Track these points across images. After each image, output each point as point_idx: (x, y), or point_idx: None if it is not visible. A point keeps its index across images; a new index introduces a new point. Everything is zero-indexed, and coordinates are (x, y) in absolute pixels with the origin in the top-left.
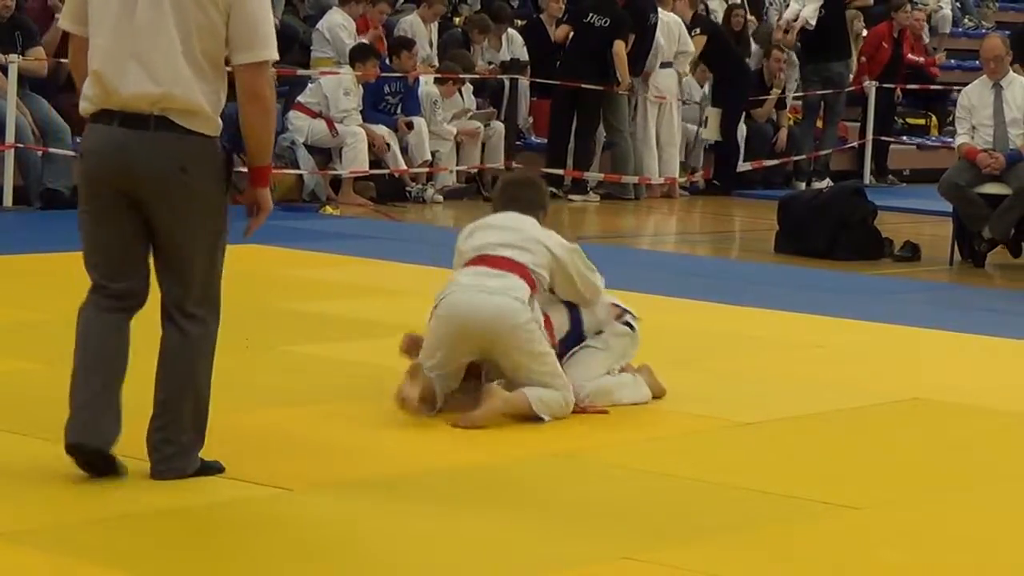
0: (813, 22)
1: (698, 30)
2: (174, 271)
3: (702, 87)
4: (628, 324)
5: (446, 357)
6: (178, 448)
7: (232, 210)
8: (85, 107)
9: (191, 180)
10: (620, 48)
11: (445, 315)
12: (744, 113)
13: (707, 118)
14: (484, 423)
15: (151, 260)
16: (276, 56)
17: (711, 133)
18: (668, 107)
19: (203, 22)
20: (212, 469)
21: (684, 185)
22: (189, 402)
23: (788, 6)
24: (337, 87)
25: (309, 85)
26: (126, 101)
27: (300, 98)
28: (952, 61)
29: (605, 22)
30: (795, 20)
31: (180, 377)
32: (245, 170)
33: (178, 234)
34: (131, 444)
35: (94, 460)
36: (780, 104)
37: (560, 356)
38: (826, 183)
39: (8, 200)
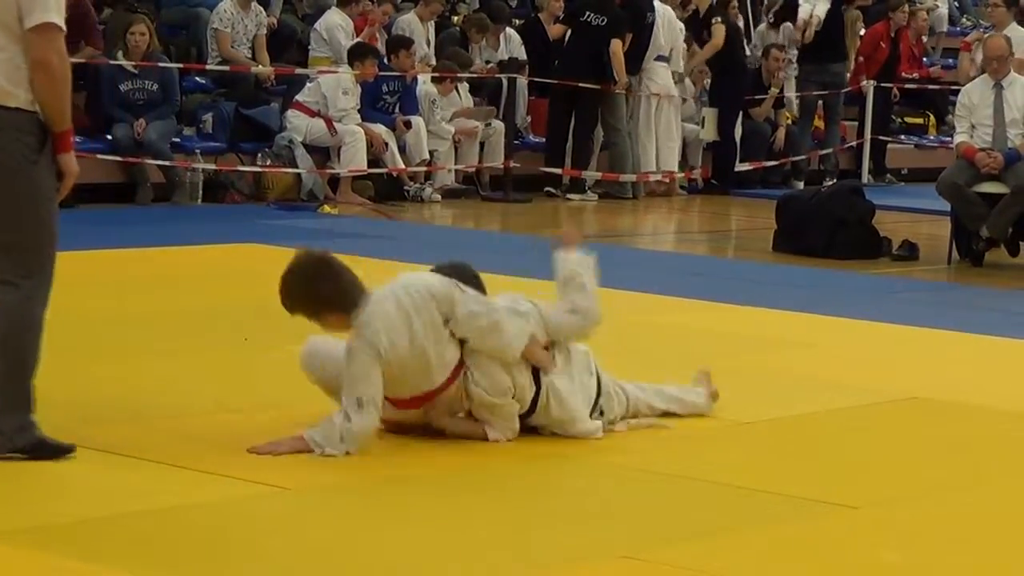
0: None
1: (718, 19)
2: None
3: (696, 87)
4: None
5: None
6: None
7: (226, 212)
8: None
9: None
10: (617, 47)
11: None
12: (742, 112)
13: (704, 118)
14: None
15: None
16: (59, 22)
17: (708, 133)
18: (664, 102)
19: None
20: (55, 450)
21: (683, 184)
22: (11, 372)
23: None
24: (336, 86)
25: (308, 84)
26: None
27: (299, 97)
28: (950, 60)
29: (602, 21)
30: (809, 18)
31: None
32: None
33: None
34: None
35: None
36: (778, 103)
37: None
38: (833, 182)
39: None
